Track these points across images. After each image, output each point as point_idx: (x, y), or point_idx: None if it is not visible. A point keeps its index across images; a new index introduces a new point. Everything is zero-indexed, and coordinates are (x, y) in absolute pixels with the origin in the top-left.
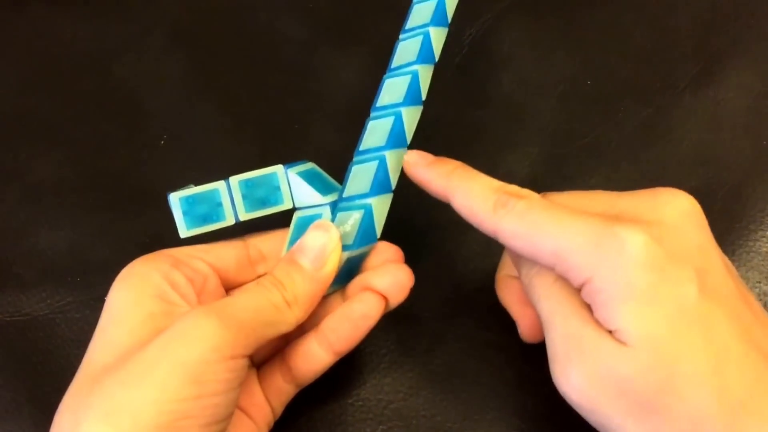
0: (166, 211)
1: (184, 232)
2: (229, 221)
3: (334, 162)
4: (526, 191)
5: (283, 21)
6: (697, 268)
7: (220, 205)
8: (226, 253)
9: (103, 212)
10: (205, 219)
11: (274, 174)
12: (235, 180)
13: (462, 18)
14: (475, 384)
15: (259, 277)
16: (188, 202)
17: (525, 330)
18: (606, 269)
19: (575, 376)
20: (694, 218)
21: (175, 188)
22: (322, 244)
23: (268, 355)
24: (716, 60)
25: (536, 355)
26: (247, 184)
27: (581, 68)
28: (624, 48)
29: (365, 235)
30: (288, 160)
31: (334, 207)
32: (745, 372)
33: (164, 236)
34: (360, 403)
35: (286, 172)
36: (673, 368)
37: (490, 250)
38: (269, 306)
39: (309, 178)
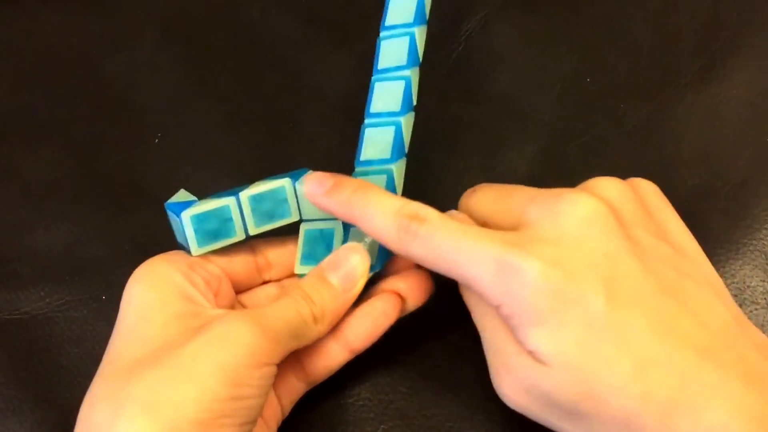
0: (161, 210)
1: (195, 250)
2: (239, 236)
3: (329, 160)
4: (425, 211)
5: (277, 18)
6: (605, 278)
7: (230, 220)
8: (236, 258)
9: (99, 211)
10: (216, 235)
11: (282, 188)
12: (245, 195)
13: (458, 14)
14: (475, 383)
15: (264, 283)
16: (199, 219)
17: None
18: (510, 298)
19: (506, 388)
20: (598, 224)
21: (169, 188)
22: (354, 266)
23: None
24: (718, 56)
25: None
26: (255, 199)
27: (580, 65)
28: (624, 44)
29: (385, 253)
30: (283, 158)
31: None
32: (670, 371)
33: (160, 235)
34: (360, 402)
35: (294, 186)
36: (591, 382)
37: None
38: (299, 319)
39: None
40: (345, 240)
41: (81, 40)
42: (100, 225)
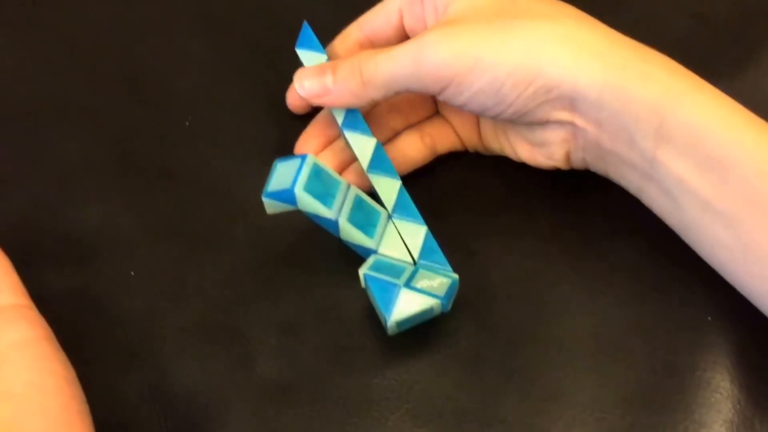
0: (189, 190)
1: (299, 190)
2: (332, 214)
3: None
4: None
5: (310, 3)
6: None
7: (333, 196)
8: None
9: (129, 191)
10: (319, 195)
11: (378, 213)
12: (354, 190)
13: None
14: (499, 367)
15: None
16: (316, 172)
17: None
18: None
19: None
20: None
21: (198, 169)
22: None
23: None
24: (755, 45)
25: (561, 338)
26: (358, 201)
27: None
28: (659, 31)
29: (451, 293)
30: None
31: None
32: None
33: (187, 214)
34: (386, 382)
35: (391, 220)
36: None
37: (520, 242)
38: None
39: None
40: (413, 277)
41: (112, 26)
42: (129, 204)
